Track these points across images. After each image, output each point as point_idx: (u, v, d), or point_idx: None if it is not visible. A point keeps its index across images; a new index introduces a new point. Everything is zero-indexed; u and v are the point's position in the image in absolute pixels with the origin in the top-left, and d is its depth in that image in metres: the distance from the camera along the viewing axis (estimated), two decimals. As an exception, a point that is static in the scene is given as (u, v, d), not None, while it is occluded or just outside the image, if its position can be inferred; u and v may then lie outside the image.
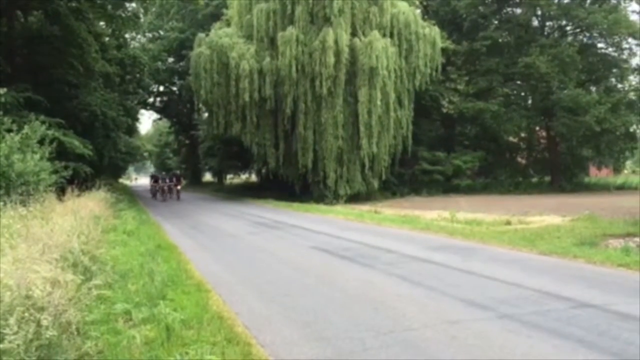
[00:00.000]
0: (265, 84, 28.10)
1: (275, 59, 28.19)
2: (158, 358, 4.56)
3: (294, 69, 27.24)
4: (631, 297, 6.96)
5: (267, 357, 4.81)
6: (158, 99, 55.19)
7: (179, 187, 34.67)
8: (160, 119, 63.77)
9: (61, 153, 16.28)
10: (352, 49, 27.69)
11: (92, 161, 21.21)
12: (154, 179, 37.65)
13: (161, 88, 53.35)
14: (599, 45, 39.29)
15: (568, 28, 39.41)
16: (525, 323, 5.80)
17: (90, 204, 14.49)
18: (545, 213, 17.87)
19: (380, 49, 27.41)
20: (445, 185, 35.23)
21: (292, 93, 27.90)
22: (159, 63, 45.00)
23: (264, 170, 37.30)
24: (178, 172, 40.38)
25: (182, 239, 14.03)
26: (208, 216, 21.18)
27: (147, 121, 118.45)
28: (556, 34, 39.13)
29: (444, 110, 37.27)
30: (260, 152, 30.18)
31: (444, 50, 32.45)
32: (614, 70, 38.53)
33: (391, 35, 29.30)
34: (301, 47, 27.56)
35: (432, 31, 31.03)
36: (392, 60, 28.44)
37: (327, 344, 5.27)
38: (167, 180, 35.20)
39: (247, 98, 27.99)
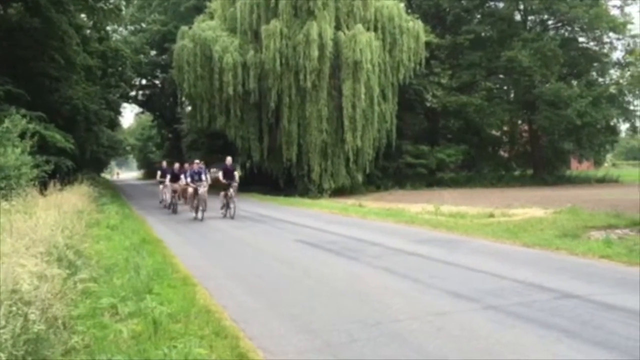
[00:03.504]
0: (249, 78, 28.01)
1: (259, 52, 28.10)
2: (146, 352, 4.53)
3: (278, 62, 27.18)
4: (613, 287, 7.09)
5: (255, 350, 4.82)
6: (140, 92, 54.75)
7: (232, 191, 17.40)
8: (142, 112, 63.33)
9: (42, 147, 16.10)
10: (336, 43, 27.68)
11: (74, 155, 21.00)
12: (171, 173, 20.41)
13: (144, 81, 52.91)
14: (580, 39, 39.81)
15: (550, 22, 39.82)
16: (510, 314, 5.87)
17: (73, 199, 14.35)
18: (528, 206, 18.06)
19: (364, 43, 27.43)
20: (429, 178, 35.43)
21: (276, 86, 27.85)
22: (142, 56, 44.60)
23: (248, 164, 37.18)
24: (230, 160, 18.40)
25: (167, 233, 13.96)
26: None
27: (129, 115, 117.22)
28: (538, 28, 39.50)
29: (428, 104, 37.44)
30: (245, 145, 30.09)
31: (427, 44, 32.54)
32: (595, 64, 39.03)
33: (375, 29, 29.32)
34: (285, 41, 27.50)
35: (416, 25, 31.10)
36: (376, 54, 28.48)
37: (315, 336, 5.29)
38: (203, 177, 17.50)
39: (231, 91, 27.89)
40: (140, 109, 60.59)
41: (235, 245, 11.67)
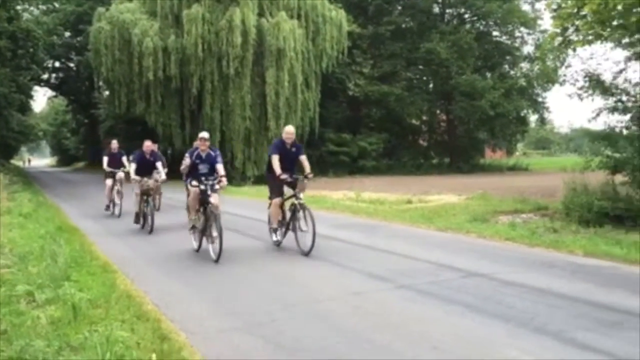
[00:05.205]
0: (170, 63, 27.42)
1: (181, 37, 27.56)
2: (65, 336, 4.53)
3: (200, 48, 26.77)
4: (514, 266, 7.67)
5: (177, 331, 4.92)
6: (54, 75, 52.11)
7: (302, 195, 9.13)
8: (56, 96, 60.32)
9: (-53, 132, 15.21)
10: (260, 30, 27.60)
11: (-18, 141, 19.94)
12: (138, 160, 12.25)
13: (57, 64, 50.41)
14: (494, 33, 41.77)
15: (466, 16, 41.40)
16: (421, 292, 6.26)
17: (-18, 186, 13.69)
18: (444, 192, 18.87)
19: (288, 31, 27.52)
20: (351, 166, 36.05)
21: (199, 72, 27.46)
22: (55, 37, 42.50)
23: (169, 151, 36.46)
24: (292, 130, 9.42)
25: (84, 221, 13.58)
26: (111, 198, 20.50)
27: (41, 99, 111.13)
28: (455, 21, 40.99)
29: (350, 93, 38.01)
30: (166, 132, 29.50)
31: (350, 34, 33.02)
32: (508, 57, 41.07)
33: (298, 17, 29.44)
34: (207, 26, 27.11)
35: (339, 14, 31.46)
36: (300, 42, 28.63)
37: (237, 318, 5.46)
38: (220, 167, 9.06)
39: (151, 77, 27.21)
40: (54, 93, 57.70)
41: (155, 232, 11.50)
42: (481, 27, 41.32)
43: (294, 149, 9.26)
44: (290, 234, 9.09)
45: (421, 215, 13.23)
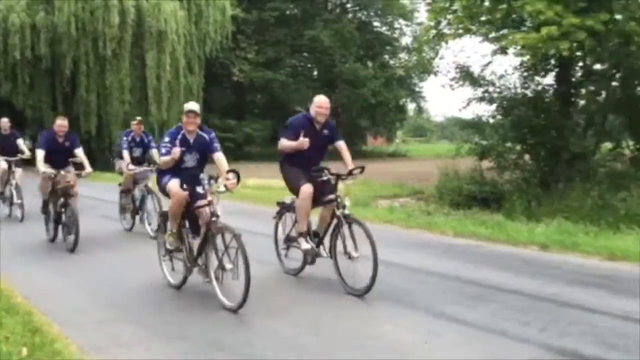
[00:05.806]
0: (39, 41, 25.68)
1: (51, 14, 25.88)
2: None
3: (73, 26, 25.30)
4: (392, 247, 8.04)
5: (50, 324, 4.69)
6: None
7: (348, 203, 6.17)
8: None
9: None
10: (139, 10, 26.56)
11: None
12: (46, 142, 8.56)
13: None
14: (375, 23, 43.20)
15: (348, 5, 42.48)
16: (303, 274, 6.42)
17: None
18: (327, 178, 19.32)
19: (169, 12, 26.78)
20: (237, 152, 35.70)
21: (72, 53, 25.99)
22: None
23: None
24: (324, 102, 6.06)
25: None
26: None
27: None
28: (338, 10, 41.86)
29: (235, 79, 37.68)
30: (36, 115, 27.59)
31: (234, 18, 32.69)
32: (388, 47, 42.62)
33: (180, -1, 28.72)
34: (81, 4, 25.66)
35: (222, -3, 31.04)
36: (182, 25, 27.96)
37: (119, 309, 5.31)
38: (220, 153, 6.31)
39: (17, 56, 25.36)
40: None
41: (29, 221, 10.75)
42: (363, 17, 42.53)
43: (325, 131, 6.16)
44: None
45: (305, 200, 13.48)
